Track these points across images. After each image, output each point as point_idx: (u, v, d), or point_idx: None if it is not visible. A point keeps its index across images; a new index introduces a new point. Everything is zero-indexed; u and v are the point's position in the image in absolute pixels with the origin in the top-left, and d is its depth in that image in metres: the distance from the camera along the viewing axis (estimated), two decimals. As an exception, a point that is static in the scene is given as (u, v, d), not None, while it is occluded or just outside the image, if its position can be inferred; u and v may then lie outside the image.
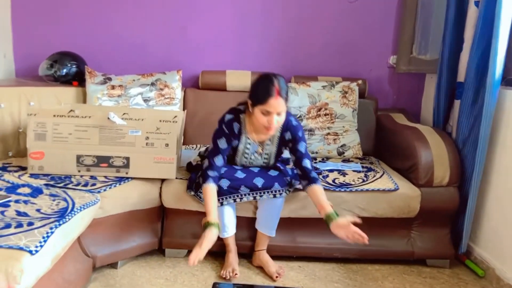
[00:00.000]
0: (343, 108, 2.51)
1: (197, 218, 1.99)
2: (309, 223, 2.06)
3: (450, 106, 2.38)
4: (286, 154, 2.02)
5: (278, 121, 1.76)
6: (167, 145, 1.96)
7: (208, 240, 1.64)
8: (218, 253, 2.03)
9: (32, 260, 1.28)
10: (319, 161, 2.40)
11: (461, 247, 2.15)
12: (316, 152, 2.47)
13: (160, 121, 1.96)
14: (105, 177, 1.96)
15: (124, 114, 1.96)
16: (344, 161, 2.42)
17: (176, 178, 2.03)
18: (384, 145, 2.54)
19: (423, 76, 2.88)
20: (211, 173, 1.81)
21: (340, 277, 2.03)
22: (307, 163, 1.86)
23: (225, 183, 1.88)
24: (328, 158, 2.47)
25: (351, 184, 2.06)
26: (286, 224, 2.03)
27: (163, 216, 2.13)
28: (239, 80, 2.65)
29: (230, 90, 2.66)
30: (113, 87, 2.41)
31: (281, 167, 2.03)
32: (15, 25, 2.71)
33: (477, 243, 2.19)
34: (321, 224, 1.76)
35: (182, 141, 2.38)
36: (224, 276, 1.92)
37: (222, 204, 1.88)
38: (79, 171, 1.95)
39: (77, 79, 2.51)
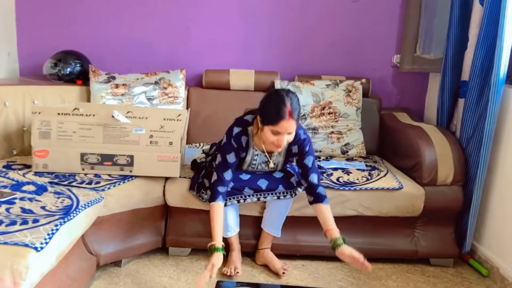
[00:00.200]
0: (347, 107, 2.51)
1: (201, 216, 2.00)
2: (313, 221, 2.04)
3: (454, 105, 2.38)
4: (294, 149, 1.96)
5: (288, 139, 1.71)
6: (171, 143, 1.96)
7: (216, 265, 1.65)
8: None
9: (38, 257, 1.29)
10: (323, 160, 2.40)
11: (465, 246, 2.14)
12: (320, 151, 2.47)
13: (164, 119, 1.97)
14: (109, 175, 1.96)
15: (128, 112, 1.96)
16: (348, 159, 2.42)
17: (180, 176, 2.03)
18: (388, 144, 2.54)
19: (426, 75, 2.87)
20: (221, 188, 1.78)
21: (343, 275, 2.03)
22: (313, 178, 1.81)
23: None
24: (332, 157, 2.46)
25: (355, 183, 2.05)
26: (290, 222, 2.03)
27: (167, 214, 2.13)
28: (243, 79, 2.65)
29: (234, 89, 2.66)
30: (117, 86, 2.42)
31: (288, 167, 2.02)
32: (20, 24, 2.72)
33: (481, 242, 2.19)
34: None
35: (185, 139, 2.38)
36: (225, 273, 1.93)
37: (225, 204, 1.87)
38: (83, 169, 1.95)
39: (81, 78, 2.51)
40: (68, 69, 2.49)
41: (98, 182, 1.88)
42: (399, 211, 2.06)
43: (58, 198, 1.66)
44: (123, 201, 1.90)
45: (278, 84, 2.57)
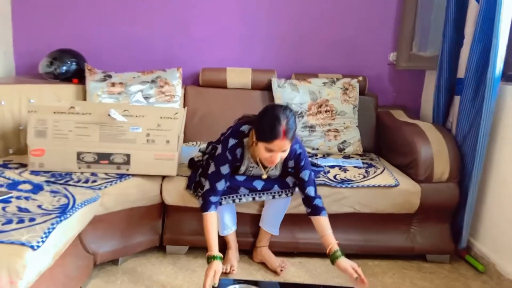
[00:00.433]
0: (343, 104, 2.52)
1: (198, 215, 1.97)
2: (310, 219, 2.06)
3: (450, 102, 2.39)
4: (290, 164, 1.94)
5: (282, 156, 1.70)
6: (168, 141, 1.96)
7: (218, 272, 1.65)
8: (219, 249, 2.03)
9: (34, 256, 1.28)
10: (320, 157, 2.40)
11: (461, 242, 2.16)
12: (317, 149, 2.48)
13: (161, 117, 1.96)
14: (106, 174, 1.95)
15: (124, 111, 1.96)
16: (344, 157, 2.43)
17: (177, 175, 2.03)
18: (384, 142, 2.55)
19: (423, 73, 2.88)
20: (213, 198, 1.78)
21: (340, 272, 2.01)
22: (310, 190, 1.82)
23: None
24: (329, 155, 2.47)
25: (352, 180, 2.06)
26: (287, 220, 2.03)
27: (164, 213, 2.13)
28: (240, 77, 2.65)
29: (231, 88, 2.66)
30: (113, 85, 2.41)
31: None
32: (16, 23, 2.71)
33: (477, 238, 2.20)
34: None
35: (182, 138, 2.38)
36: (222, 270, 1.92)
37: (220, 204, 1.87)
38: (79, 168, 1.94)
39: (77, 76, 2.50)
40: (64, 68, 2.48)
41: (94, 181, 1.88)
42: (396, 208, 2.07)
43: (55, 197, 1.66)
44: (120, 200, 1.90)
45: (275, 82, 2.57)
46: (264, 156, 1.69)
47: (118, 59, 2.76)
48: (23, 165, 1.98)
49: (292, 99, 2.51)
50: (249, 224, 2.08)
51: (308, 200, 1.83)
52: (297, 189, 1.93)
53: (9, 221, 1.41)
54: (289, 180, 1.92)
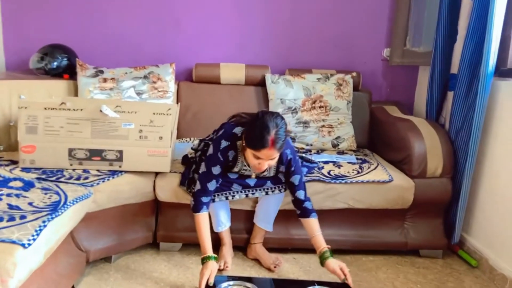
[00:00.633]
0: (337, 100, 2.51)
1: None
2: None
3: (444, 98, 2.39)
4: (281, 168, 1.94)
5: (269, 164, 1.70)
6: (161, 138, 1.94)
7: (214, 271, 1.68)
8: (213, 246, 2.02)
9: (25, 254, 1.26)
10: (314, 153, 2.40)
11: (454, 237, 2.17)
12: (311, 144, 2.47)
13: (154, 113, 1.94)
14: (98, 170, 1.93)
15: (117, 106, 1.94)
16: (338, 153, 2.43)
17: (170, 171, 2.02)
18: (378, 137, 2.55)
19: (416, 69, 2.88)
20: (204, 199, 1.77)
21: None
22: (300, 194, 1.84)
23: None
24: (322, 150, 2.47)
25: (346, 176, 2.06)
26: (281, 216, 2.02)
27: (157, 209, 2.12)
28: (233, 73, 2.63)
29: (224, 83, 2.64)
30: (105, 80, 2.38)
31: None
32: (5, 18, 2.67)
33: (470, 233, 2.21)
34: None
35: (176, 134, 2.36)
36: None
37: (214, 201, 1.87)
38: (71, 164, 1.92)
39: (68, 72, 2.47)
40: (55, 63, 2.45)
41: (86, 178, 1.86)
42: (389, 204, 2.07)
43: (46, 194, 1.64)
44: (112, 197, 1.88)
45: (269, 78, 2.56)
46: (252, 162, 1.70)
47: (110, 54, 2.73)
48: (14, 162, 1.95)
49: (286, 95, 2.50)
50: (243, 221, 2.07)
51: (297, 203, 1.85)
52: None
53: (0, 219, 1.39)
54: (282, 176, 1.92)
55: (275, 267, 1.96)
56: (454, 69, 2.25)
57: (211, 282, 1.65)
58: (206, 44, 2.79)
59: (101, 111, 1.89)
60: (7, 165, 1.93)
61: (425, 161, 2.08)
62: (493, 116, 2.07)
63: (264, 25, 2.78)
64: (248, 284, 1.69)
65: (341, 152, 2.44)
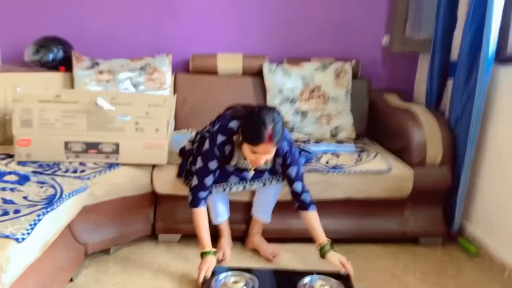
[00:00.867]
0: (336, 89, 2.48)
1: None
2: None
3: (443, 85, 2.36)
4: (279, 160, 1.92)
5: (267, 158, 1.70)
6: (157, 130, 1.93)
7: (212, 266, 1.71)
8: (212, 237, 2.02)
9: (19, 248, 1.26)
10: (313, 143, 2.38)
11: (453, 225, 2.16)
12: (310, 134, 2.45)
13: (150, 105, 1.92)
14: (95, 163, 1.92)
15: (112, 98, 1.92)
16: (337, 142, 2.41)
17: (168, 163, 2.00)
18: (377, 126, 2.53)
19: (416, 56, 2.84)
20: (202, 194, 1.77)
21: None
22: (297, 186, 1.82)
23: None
24: (321, 140, 2.45)
25: (345, 165, 2.04)
26: (279, 207, 2.02)
27: (156, 201, 2.11)
28: (231, 63, 2.60)
29: (222, 74, 2.62)
30: (101, 72, 2.36)
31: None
32: (0, 10, 2.64)
33: (470, 221, 2.20)
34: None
35: (173, 126, 2.35)
36: None
37: (211, 192, 1.86)
38: (67, 157, 1.91)
39: (64, 64, 2.45)
40: (51, 55, 2.42)
41: (83, 171, 1.85)
42: (388, 193, 2.06)
43: (41, 187, 1.63)
44: (109, 190, 1.88)
45: (267, 67, 2.53)
46: (249, 157, 1.70)
47: (106, 45, 2.69)
48: (10, 156, 1.94)
49: (284, 85, 2.47)
50: (242, 211, 2.07)
51: (295, 195, 1.84)
52: None
53: (-6, 213, 1.39)
54: (279, 167, 1.90)
55: (273, 257, 1.96)
56: (454, 56, 2.22)
57: (209, 276, 1.67)
58: (202, 34, 2.76)
59: (96, 103, 1.87)
60: (3, 159, 1.92)
61: (424, 150, 2.06)
62: (493, 103, 2.04)
63: (262, 14, 2.74)
64: (247, 275, 1.69)
65: (340, 142, 2.42)
